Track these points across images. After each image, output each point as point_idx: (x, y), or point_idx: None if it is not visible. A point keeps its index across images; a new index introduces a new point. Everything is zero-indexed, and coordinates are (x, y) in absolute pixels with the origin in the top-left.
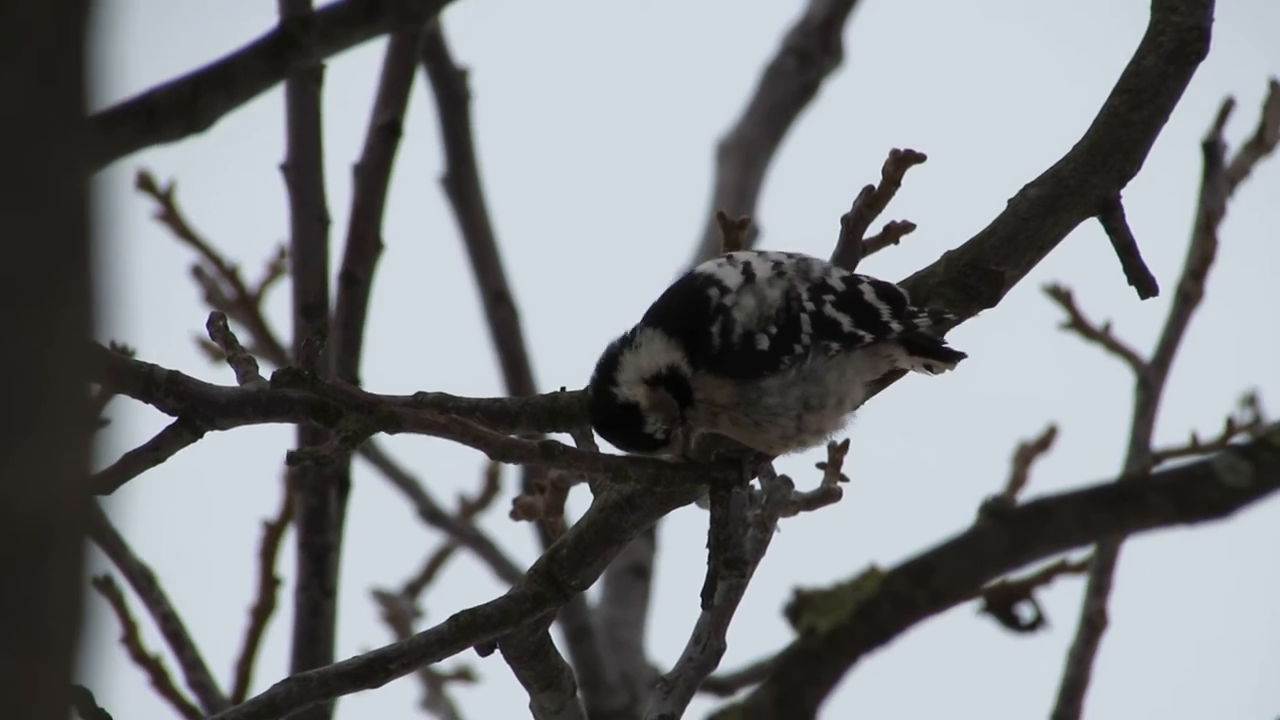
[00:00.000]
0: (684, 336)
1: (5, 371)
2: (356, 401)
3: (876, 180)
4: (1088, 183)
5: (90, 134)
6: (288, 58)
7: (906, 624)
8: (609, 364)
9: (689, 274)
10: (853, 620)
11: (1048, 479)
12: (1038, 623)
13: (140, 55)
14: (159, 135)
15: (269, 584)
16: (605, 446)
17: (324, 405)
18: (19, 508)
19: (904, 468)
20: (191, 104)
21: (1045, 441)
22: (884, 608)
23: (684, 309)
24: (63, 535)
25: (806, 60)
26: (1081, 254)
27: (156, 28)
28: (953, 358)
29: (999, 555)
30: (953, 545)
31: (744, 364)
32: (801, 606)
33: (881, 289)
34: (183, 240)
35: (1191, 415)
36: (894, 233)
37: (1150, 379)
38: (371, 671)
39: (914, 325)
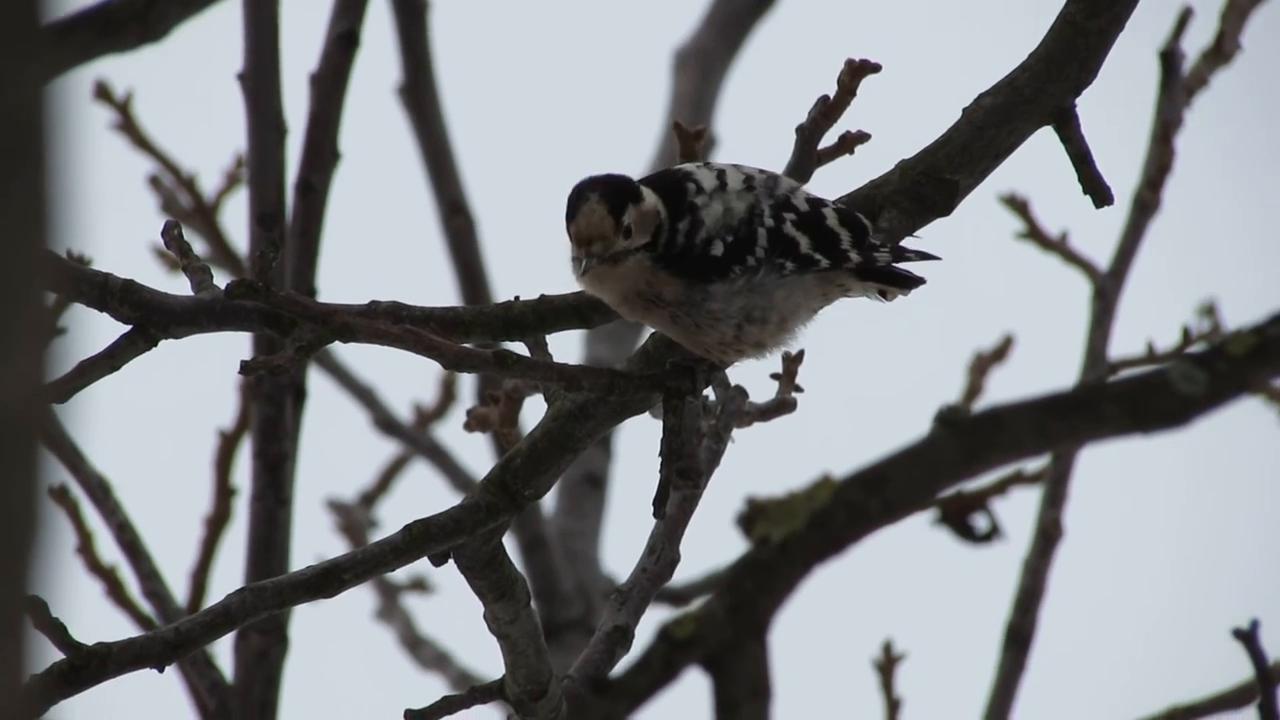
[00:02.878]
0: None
1: None
2: (310, 312)
3: (832, 90)
4: (1043, 91)
5: (43, 42)
6: None
7: (859, 533)
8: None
9: (671, 168)
10: (806, 530)
11: (1004, 389)
12: (993, 533)
13: None
14: (114, 43)
15: (224, 494)
16: (558, 353)
17: (278, 315)
18: None
19: (859, 378)
20: (146, 12)
21: (1001, 352)
22: (837, 517)
23: (667, 196)
24: (15, 439)
25: None
26: (1038, 164)
27: None
28: (909, 283)
29: (952, 464)
30: (906, 454)
31: (696, 265)
32: (755, 516)
33: (845, 216)
34: (140, 150)
35: (1148, 325)
36: (849, 143)
37: (1107, 289)
38: (325, 581)
39: (873, 258)
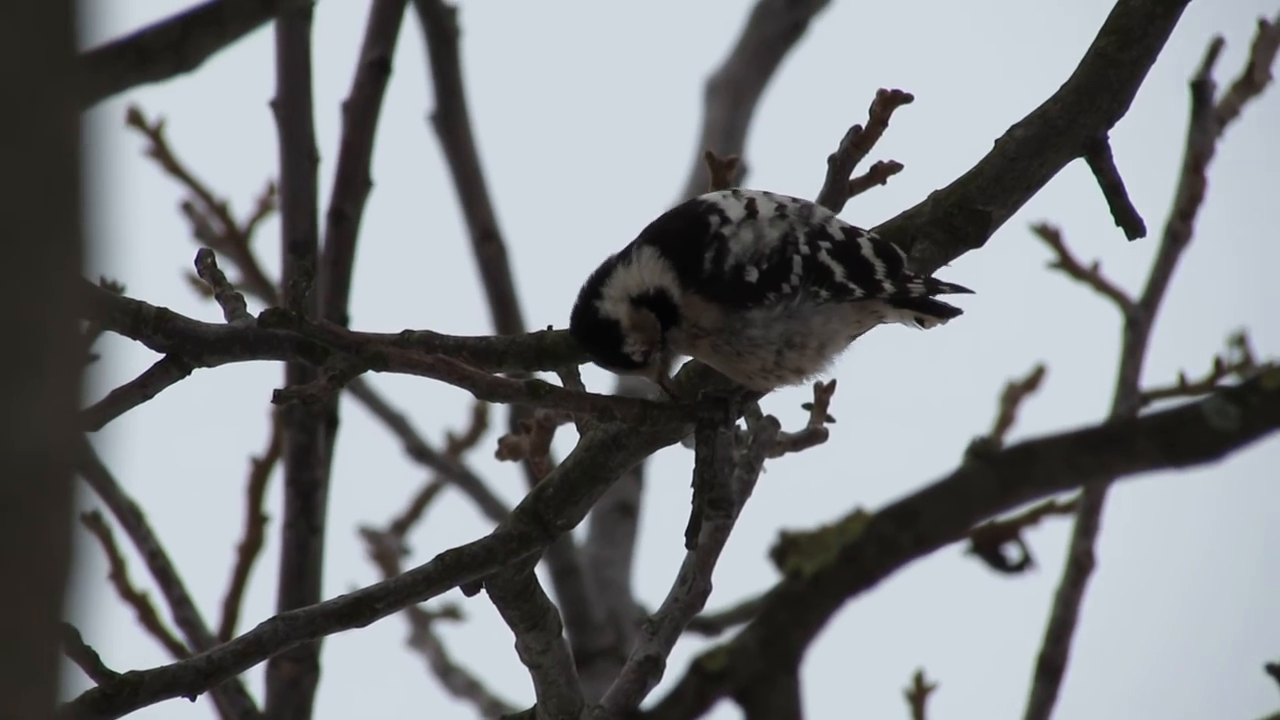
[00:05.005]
0: (678, 258)
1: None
2: (343, 341)
3: (864, 120)
4: (1075, 123)
5: (81, 73)
6: None
7: (891, 567)
8: (600, 276)
9: (693, 200)
10: (838, 563)
11: (1035, 419)
12: (1025, 564)
13: None
14: (149, 74)
15: (256, 521)
16: (591, 382)
17: (311, 344)
18: (15, 450)
19: (891, 408)
20: (181, 43)
21: (1033, 381)
22: (869, 551)
23: (683, 231)
24: (57, 479)
25: None
26: (1070, 194)
27: None
28: (946, 313)
29: (985, 498)
30: (938, 488)
31: (731, 292)
32: (787, 549)
33: (880, 246)
34: (172, 176)
35: (1180, 355)
36: (881, 173)
37: (1138, 319)
38: (358, 611)
39: (907, 289)
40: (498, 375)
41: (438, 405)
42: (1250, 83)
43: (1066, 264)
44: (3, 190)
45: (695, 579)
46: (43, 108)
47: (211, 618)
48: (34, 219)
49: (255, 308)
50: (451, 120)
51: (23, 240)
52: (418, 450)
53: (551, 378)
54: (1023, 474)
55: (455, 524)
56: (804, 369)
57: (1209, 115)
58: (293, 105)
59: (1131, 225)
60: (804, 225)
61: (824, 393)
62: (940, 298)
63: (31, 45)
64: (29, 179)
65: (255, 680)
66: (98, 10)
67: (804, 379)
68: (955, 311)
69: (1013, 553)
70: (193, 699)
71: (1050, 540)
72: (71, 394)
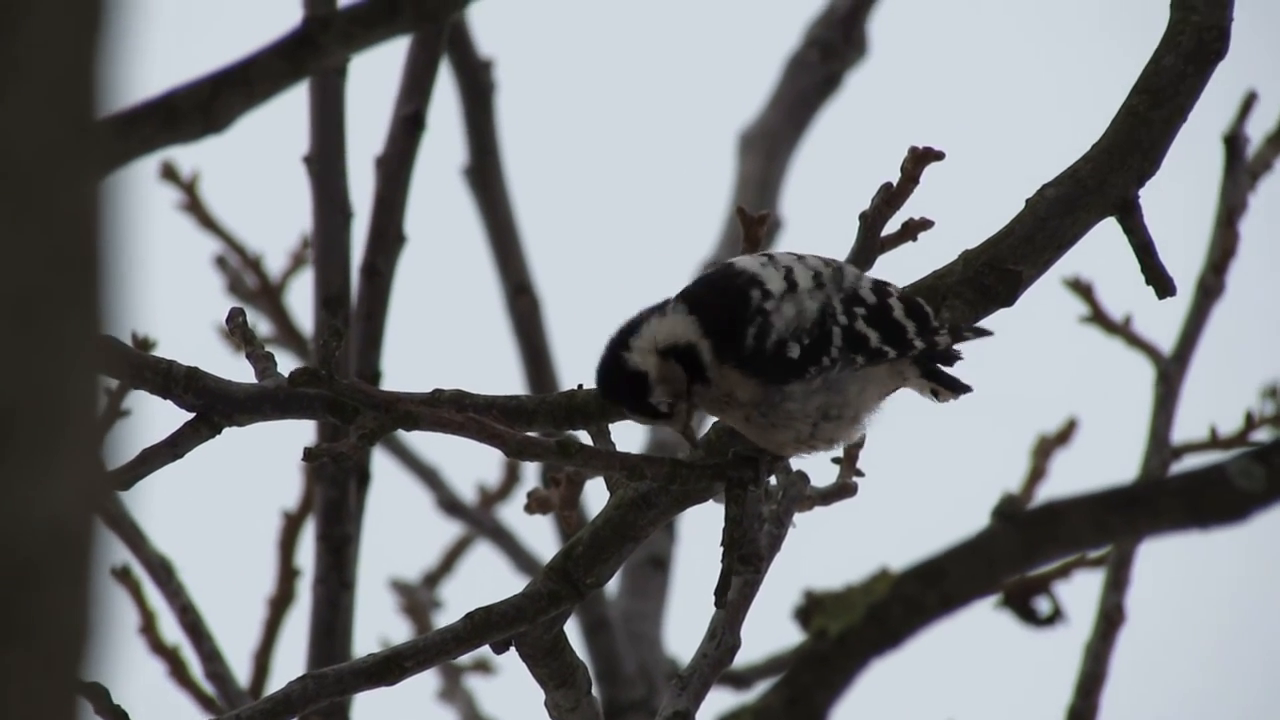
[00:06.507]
0: (713, 323)
1: (13, 390)
2: (374, 400)
3: (896, 176)
4: (1106, 183)
5: (100, 141)
6: (307, 58)
7: (917, 627)
8: (630, 328)
9: (731, 267)
10: (863, 623)
11: (1067, 472)
12: (1055, 617)
13: (163, 53)
14: (178, 135)
15: (287, 575)
16: (621, 441)
17: (341, 403)
18: (28, 529)
19: (921, 460)
20: (210, 104)
21: (1064, 435)
22: (895, 610)
23: (722, 301)
24: (74, 554)
25: (829, 52)
26: (1102, 247)
27: (181, 25)
28: (959, 389)
29: (1011, 558)
30: (964, 548)
31: (773, 368)
32: (812, 609)
33: (909, 305)
34: (206, 230)
35: (1211, 409)
36: (912, 230)
37: (1170, 373)
38: (387, 669)
39: (935, 343)
40: (528, 434)
41: (469, 459)
42: None
43: (1098, 318)
44: (20, 264)
45: (724, 635)
46: (60, 179)
47: (242, 672)
48: (51, 292)
49: (288, 361)
50: (485, 175)
51: (40, 315)
52: (449, 504)
53: (582, 436)
54: (1048, 534)
55: (486, 577)
56: (836, 439)
57: (1242, 169)
58: (326, 160)
59: (1162, 285)
60: (838, 291)
61: (854, 448)
62: (955, 367)
63: (48, 115)
64: (46, 252)
65: None
66: (124, 72)
67: (834, 447)
68: (965, 389)
69: (1043, 606)
70: None
71: (1080, 594)
72: (90, 469)
